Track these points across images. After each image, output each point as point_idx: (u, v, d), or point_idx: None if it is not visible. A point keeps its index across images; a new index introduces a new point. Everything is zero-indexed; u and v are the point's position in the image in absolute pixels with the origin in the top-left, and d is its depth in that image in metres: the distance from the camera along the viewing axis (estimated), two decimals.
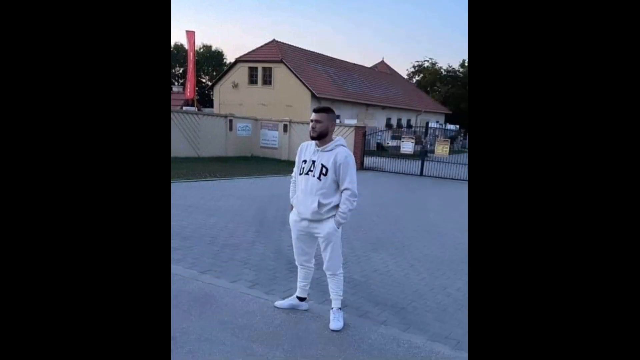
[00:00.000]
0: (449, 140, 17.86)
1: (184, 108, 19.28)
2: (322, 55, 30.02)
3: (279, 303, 3.51)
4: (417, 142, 19.64)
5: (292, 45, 27.65)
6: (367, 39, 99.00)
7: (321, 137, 3.10)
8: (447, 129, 28.25)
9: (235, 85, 25.94)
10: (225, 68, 32.68)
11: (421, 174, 15.63)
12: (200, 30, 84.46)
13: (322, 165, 3.07)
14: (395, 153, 18.57)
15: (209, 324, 3.14)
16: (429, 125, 28.56)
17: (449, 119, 40.85)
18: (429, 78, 52.87)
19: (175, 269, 4.18)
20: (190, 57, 19.51)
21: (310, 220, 3.15)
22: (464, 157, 15.94)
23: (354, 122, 18.88)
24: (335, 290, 3.28)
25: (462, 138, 33.04)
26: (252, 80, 25.67)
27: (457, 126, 34.31)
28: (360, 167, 15.82)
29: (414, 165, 15.91)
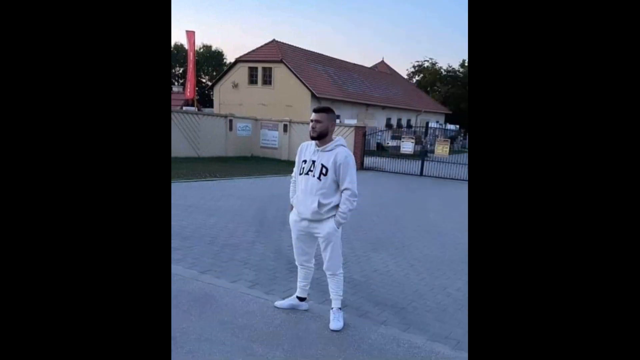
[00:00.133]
0: (449, 140, 17.87)
1: (184, 108, 19.28)
2: (322, 55, 30.03)
3: (279, 303, 3.51)
4: (417, 142, 19.65)
5: (292, 45, 27.65)
6: (367, 39, 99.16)
7: (321, 137, 3.10)
8: (447, 129, 28.26)
9: (235, 85, 25.94)
10: (225, 68, 32.69)
11: (421, 174, 15.63)
12: (200, 30, 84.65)
13: (322, 165, 3.07)
14: (395, 153, 18.57)
15: (209, 324, 3.14)
16: (429, 125, 28.56)
17: (449, 119, 40.86)
18: (429, 78, 52.87)
19: (175, 269, 4.19)
20: (190, 57, 19.52)
21: (310, 220, 3.15)
22: (464, 157, 15.94)
23: (354, 122, 18.88)
24: (335, 290, 3.28)
25: (462, 138, 33.04)
26: (252, 80, 25.67)
27: (457, 126, 34.31)
28: (360, 167, 15.83)
29: (414, 165, 15.92)
